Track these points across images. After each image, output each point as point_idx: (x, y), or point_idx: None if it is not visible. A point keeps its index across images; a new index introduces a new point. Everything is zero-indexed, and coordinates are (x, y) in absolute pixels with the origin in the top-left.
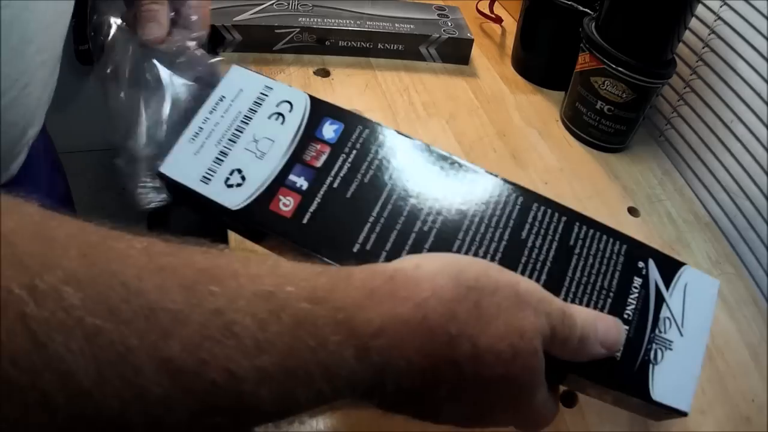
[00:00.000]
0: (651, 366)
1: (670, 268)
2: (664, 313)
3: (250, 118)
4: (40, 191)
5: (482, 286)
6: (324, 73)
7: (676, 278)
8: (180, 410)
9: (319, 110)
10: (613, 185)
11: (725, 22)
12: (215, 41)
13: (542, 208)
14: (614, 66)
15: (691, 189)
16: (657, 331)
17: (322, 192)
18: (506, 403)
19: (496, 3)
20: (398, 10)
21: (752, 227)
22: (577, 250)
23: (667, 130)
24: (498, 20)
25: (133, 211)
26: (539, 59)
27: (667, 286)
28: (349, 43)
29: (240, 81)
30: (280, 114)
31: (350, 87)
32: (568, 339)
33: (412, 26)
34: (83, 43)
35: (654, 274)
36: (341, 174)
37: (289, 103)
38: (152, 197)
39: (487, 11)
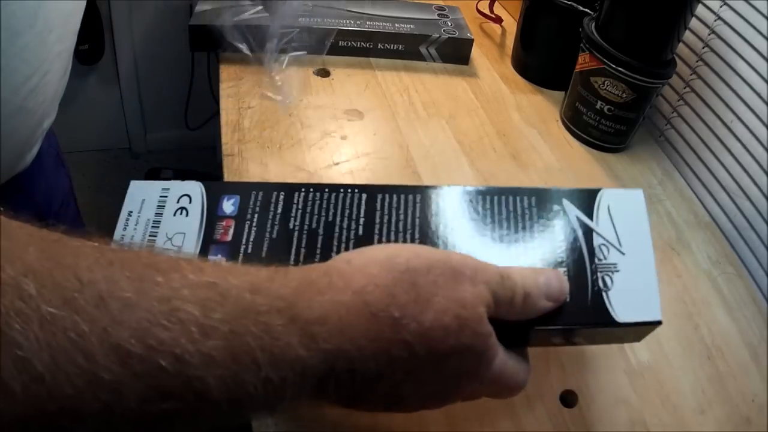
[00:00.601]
0: (604, 293)
1: (586, 199)
2: (597, 241)
3: (159, 222)
4: (46, 184)
5: (415, 267)
6: (324, 73)
7: (596, 205)
8: (130, 396)
9: (215, 191)
10: (613, 185)
11: (725, 22)
12: (215, 41)
13: (438, 192)
14: (614, 66)
15: (691, 189)
16: (597, 261)
17: (240, 261)
18: (467, 374)
19: (496, 3)
20: (398, 10)
21: (752, 227)
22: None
23: (667, 130)
24: (498, 20)
25: None
26: (539, 59)
27: (591, 216)
28: (349, 43)
29: (140, 193)
30: (182, 208)
31: (350, 87)
32: (512, 300)
33: (412, 26)
34: (83, 43)
35: (572, 210)
36: (251, 239)
37: (188, 195)
38: None
39: (487, 11)
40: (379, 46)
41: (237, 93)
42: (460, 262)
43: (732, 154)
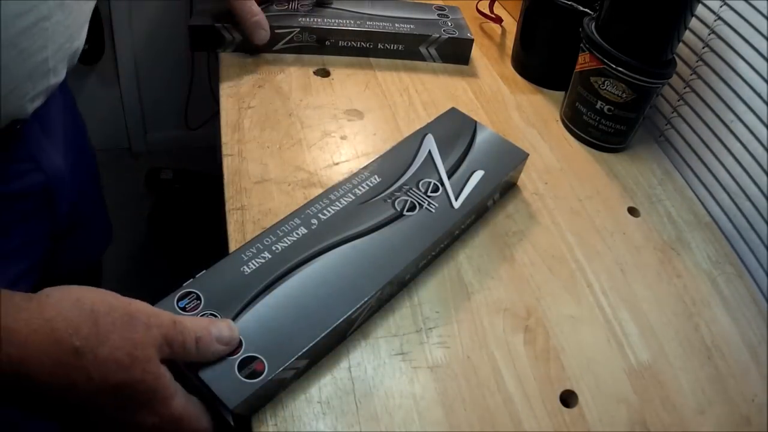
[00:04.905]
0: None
1: None
2: None
3: None
4: (58, 151)
5: (98, 308)
6: (324, 73)
7: None
8: None
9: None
10: (613, 185)
11: (725, 22)
12: (215, 41)
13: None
14: (614, 66)
15: (691, 189)
16: None
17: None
18: (142, 407)
19: (496, 3)
20: (398, 10)
21: (752, 227)
22: None
23: (667, 130)
24: (498, 20)
25: (133, 210)
26: (539, 59)
27: None
28: (349, 43)
29: None
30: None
31: (350, 87)
32: (185, 342)
33: (412, 26)
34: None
35: None
36: None
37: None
38: None
39: (487, 11)
40: (379, 46)
41: (237, 93)
42: (138, 309)
43: (732, 154)
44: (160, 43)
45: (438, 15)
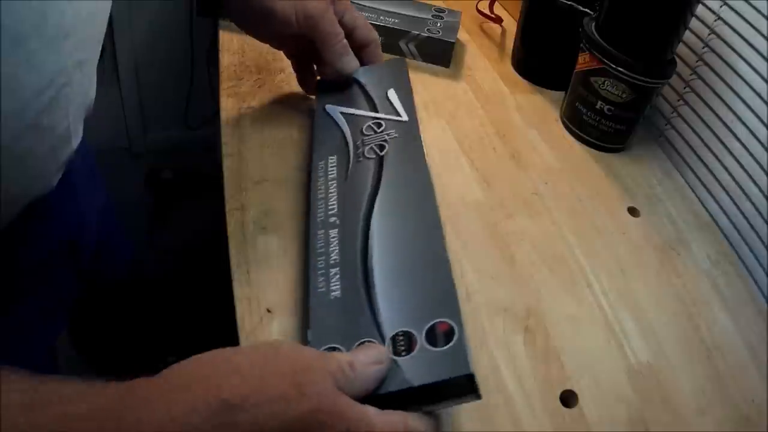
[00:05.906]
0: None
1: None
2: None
3: None
4: (77, 205)
5: (233, 357)
6: None
7: None
8: None
9: None
10: (613, 185)
11: (725, 22)
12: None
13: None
14: (614, 66)
15: (691, 189)
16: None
17: None
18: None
19: (496, 3)
20: (394, 5)
21: (752, 227)
22: None
23: (667, 130)
24: (498, 20)
25: (134, 211)
26: (539, 59)
27: None
28: None
29: None
30: None
31: None
32: (342, 368)
33: (396, 20)
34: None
35: None
36: None
37: None
38: None
39: (487, 11)
40: None
41: (237, 93)
42: (277, 344)
43: (732, 154)
44: (160, 43)
45: (432, 15)
